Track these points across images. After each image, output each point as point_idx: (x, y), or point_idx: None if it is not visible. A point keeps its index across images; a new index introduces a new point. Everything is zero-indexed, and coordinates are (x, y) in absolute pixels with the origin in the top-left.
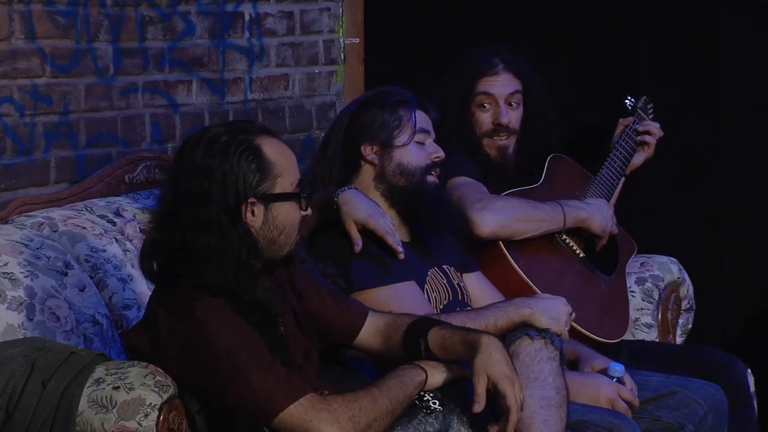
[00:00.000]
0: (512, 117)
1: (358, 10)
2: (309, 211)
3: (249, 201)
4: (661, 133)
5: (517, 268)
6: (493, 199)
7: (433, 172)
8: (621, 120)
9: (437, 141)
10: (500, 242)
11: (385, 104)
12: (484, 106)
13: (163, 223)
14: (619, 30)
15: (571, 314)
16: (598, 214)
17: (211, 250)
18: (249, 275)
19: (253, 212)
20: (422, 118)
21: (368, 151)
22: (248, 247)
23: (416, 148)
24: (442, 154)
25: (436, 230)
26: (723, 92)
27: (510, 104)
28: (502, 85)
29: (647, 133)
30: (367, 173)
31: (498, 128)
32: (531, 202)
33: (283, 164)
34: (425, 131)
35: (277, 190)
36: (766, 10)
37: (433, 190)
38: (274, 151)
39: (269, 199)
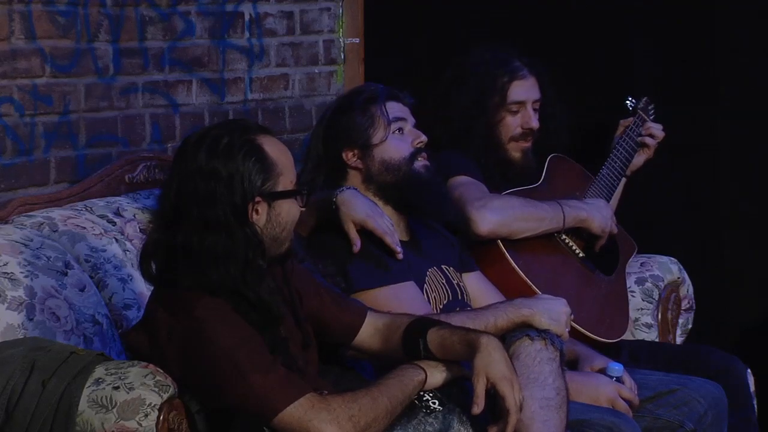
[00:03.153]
0: (537, 121)
1: (358, 10)
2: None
3: (255, 200)
4: (663, 135)
5: (517, 267)
6: (493, 198)
7: (420, 158)
8: (622, 121)
9: (418, 126)
10: (499, 241)
11: (355, 106)
12: (515, 111)
13: (164, 225)
14: (620, 30)
15: (569, 316)
16: (597, 213)
17: (218, 251)
18: (255, 275)
19: (257, 211)
20: (395, 108)
21: (350, 157)
22: (255, 247)
23: (396, 141)
24: (424, 138)
25: (437, 216)
26: (723, 92)
27: (534, 109)
28: (530, 89)
29: (649, 134)
30: (355, 178)
31: (527, 132)
32: (530, 201)
33: (284, 162)
34: (400, 119)
35: (280, 188)
36: (766, 10)
37: (423, 175)
38: (274, 149)
39: (273, 197)
